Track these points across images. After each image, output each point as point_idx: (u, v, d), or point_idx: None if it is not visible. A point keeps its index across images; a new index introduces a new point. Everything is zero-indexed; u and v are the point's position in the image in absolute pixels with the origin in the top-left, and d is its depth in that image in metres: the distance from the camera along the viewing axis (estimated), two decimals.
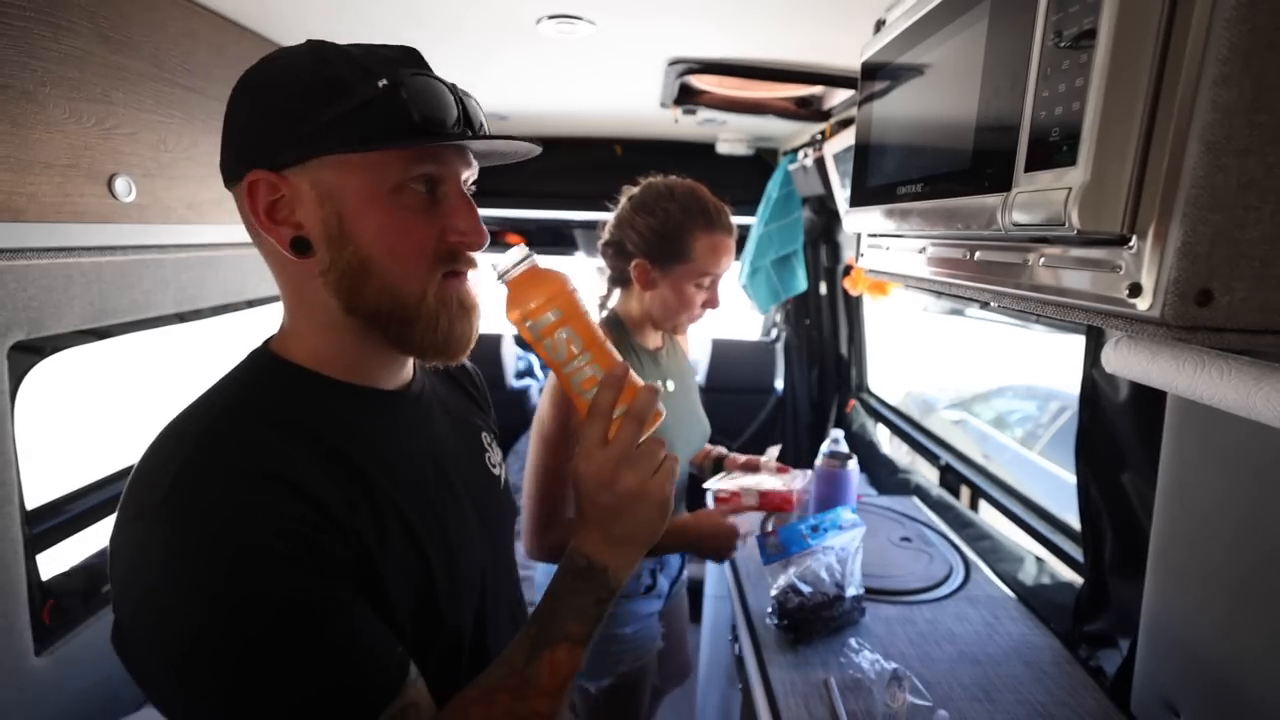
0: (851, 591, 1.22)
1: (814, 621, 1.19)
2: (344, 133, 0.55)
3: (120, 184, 0.97)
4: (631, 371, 0.65)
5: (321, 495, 0.54)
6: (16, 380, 0.94)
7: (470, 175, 0.64)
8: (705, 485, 1.42)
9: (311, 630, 0.50)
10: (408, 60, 0.59)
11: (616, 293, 1.41)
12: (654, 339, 1.40)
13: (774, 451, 1.50)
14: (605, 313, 1.40)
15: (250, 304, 1.44)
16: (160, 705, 0.53)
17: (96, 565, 1.15)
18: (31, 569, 0.96)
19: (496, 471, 0.80)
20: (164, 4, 1.05)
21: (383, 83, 0.55)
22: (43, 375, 1.00)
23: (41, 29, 0.84)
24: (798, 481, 1.39)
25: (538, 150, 0.67)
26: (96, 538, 1.19)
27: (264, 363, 0.62)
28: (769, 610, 1.22)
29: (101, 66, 0.93)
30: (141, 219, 1.03)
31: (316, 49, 0.58)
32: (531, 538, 1.21)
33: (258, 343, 0.65)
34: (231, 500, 0.51)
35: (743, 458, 1.52)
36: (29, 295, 0.88)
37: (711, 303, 1.33)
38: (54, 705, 0.98)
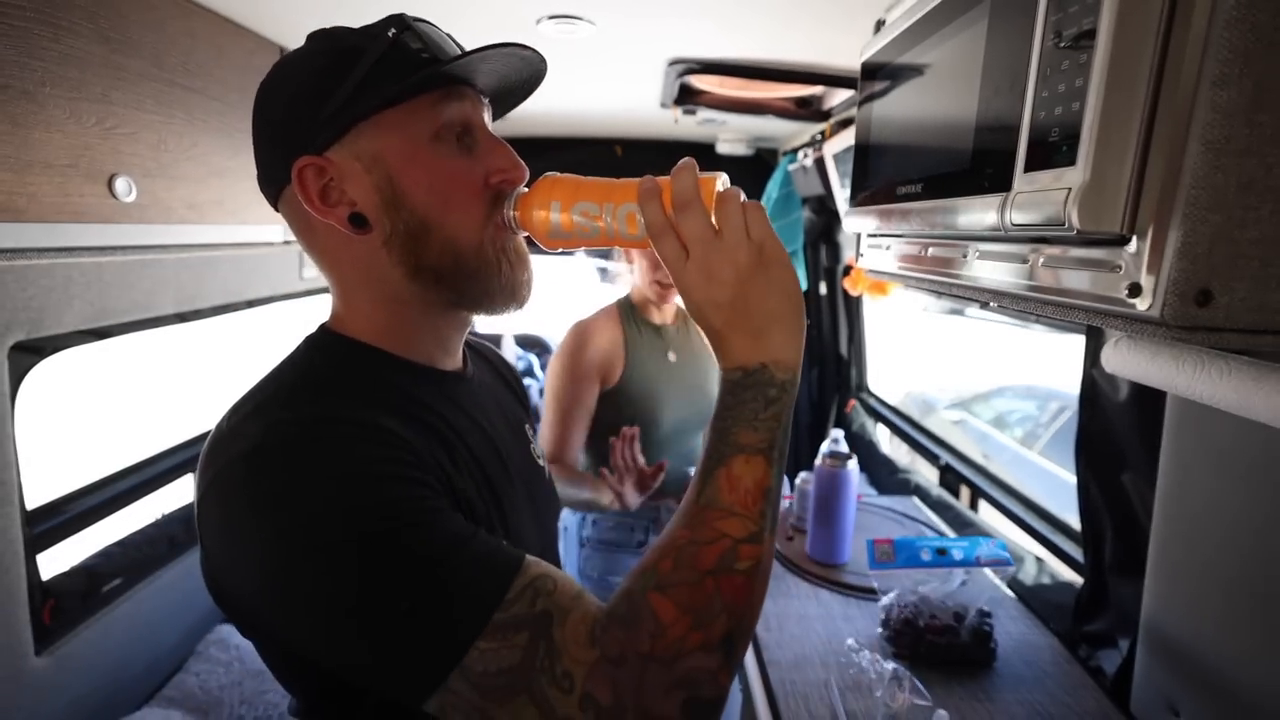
0: (969, 623, 1.13)
1: (923, 646, 1.13)
2: (372, 93, 0.55)
3: (120, 184, 0.97)
4: (653, 178, 0.59)
5: (411, 440, 0.53)
6: (16, 380, 0.94)
7: (489, 119, 0.64)
8: None
9: (425, 527, 0.49)
10: (398, 16, 0.59)
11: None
12: (659, 316, 1.57)
13: None
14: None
15: (250, 304, 1.44)
16: (293, 635, 0.51)
17: (97, 565, 1.15)
18: (31, 569, 0.96)
19: (541, 463, 0.80)
20: (164, 4, 1.05)
21: (391, 32, 0.56)
22: (43, 375, 1.00)
23: (41, 29, 0.84)
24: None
25: (544, 71, 0.65)
26: (96, 538, 1.19)
27: (326, 341, 0.62)
28: (880, 618, 1.20)
29: (101, 66, 0.93)
30: (142, 219, 1.04)
31: (319, 34, 0.59)
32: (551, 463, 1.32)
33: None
34: (331, 439, 0.50)
35: None
36: (29, 295, 0.88)
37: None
38: (54, 705, 0.98)
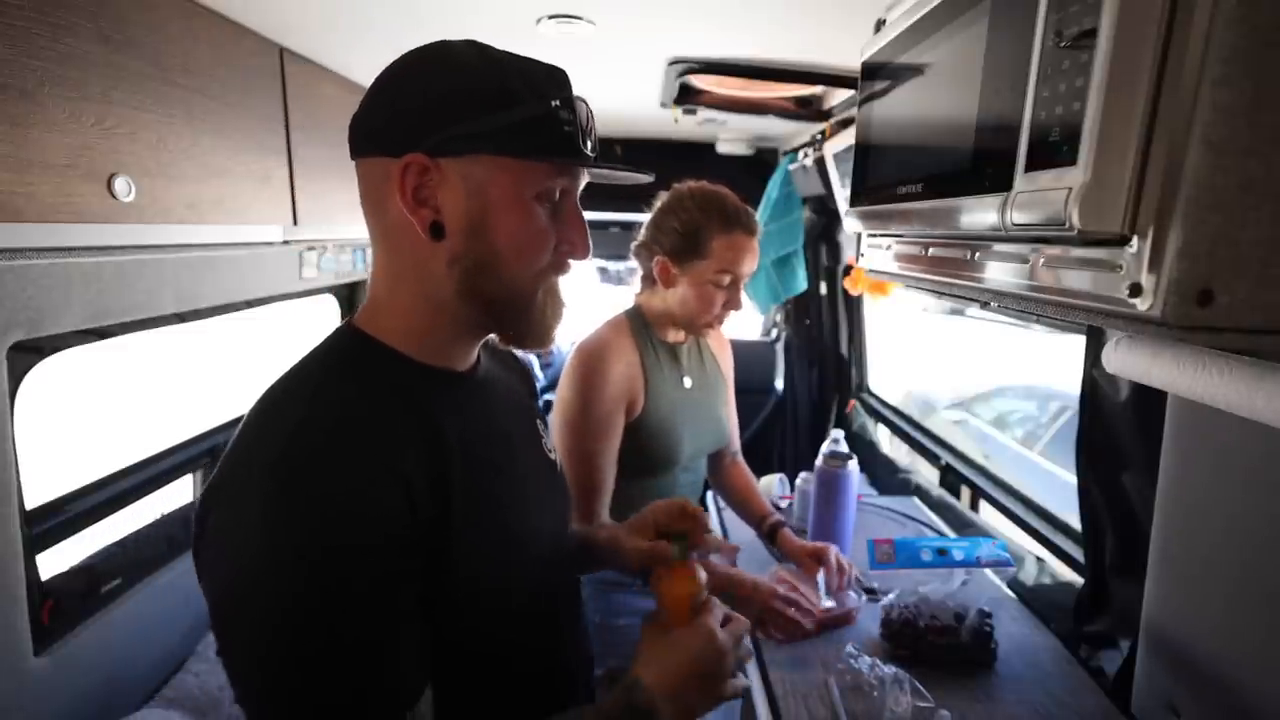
0: (970, 623, 1.13)
1: (924, 646, 1.13)
2: (511, 140, 0.59)
3: (120, 184, 0.97)
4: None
5: (414, 479, 0.57)
6: (16, 380, 0.94)
7: (582, 185, 0.69)
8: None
9: (361, 638, 0.53)
10: (561, 81, 0.63)
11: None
12: (674, 334, 1.41)
13: (862, 600, 1.32)
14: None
15: (249, 304, 1.44)
16: (219, 646, 0.55)
17: (96, 565, 1.14)
18: (31, 569, 0.96)
19: (553, 456, 0.84)
20: (164, 4, 1.05)
21: (555, 103, 0.60)
22: (42, 375, 1.00)
23: (41, 29, 0.84)
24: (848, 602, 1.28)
25: (646, 179, 0.70)
26: (96, 538, 1.19)
27: (354, 338, 0.66)
28: (881, 618, 1.20)
29: (101, 66, 0.93)
30: (141, 219, 1.03)
31: (486, 52, 0.61)
32: (578, 520, 1.20)
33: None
34: (339, 483, 0.53)
35: (797, 541, 1.40)
36: (29, 295, 0.88)
37: (732, 304, 1.32)
38: (53, 706, 0.98)
